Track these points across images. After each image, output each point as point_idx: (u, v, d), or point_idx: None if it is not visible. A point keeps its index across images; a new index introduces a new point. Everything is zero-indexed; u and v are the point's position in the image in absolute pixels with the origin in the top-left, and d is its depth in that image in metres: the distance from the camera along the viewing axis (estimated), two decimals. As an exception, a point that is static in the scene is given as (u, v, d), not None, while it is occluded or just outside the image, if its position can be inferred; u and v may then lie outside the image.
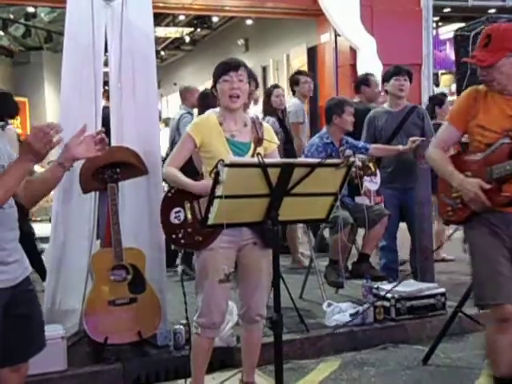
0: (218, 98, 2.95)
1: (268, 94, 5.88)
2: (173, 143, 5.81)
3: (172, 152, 3.06)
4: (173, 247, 3.19)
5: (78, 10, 3.57)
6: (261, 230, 2.81)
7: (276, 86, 6.05)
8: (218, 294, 2.85)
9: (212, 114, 3.05)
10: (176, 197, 2.92)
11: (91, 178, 3.45)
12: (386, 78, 4.73)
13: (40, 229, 5.89)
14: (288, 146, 5.58)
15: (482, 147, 2.66)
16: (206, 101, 4.93)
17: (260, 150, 2.93)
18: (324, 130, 4.57)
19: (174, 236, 2.90)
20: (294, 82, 6.05)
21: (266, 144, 2.96)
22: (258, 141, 2.94)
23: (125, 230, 3.46)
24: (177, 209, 2.90)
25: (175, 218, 2.90)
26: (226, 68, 2.89)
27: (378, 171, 4.46)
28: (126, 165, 3.47)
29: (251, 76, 3.94)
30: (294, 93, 6.09)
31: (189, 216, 2.88)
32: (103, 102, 3.90)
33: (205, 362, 2.98)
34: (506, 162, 2.55)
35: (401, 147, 4.48)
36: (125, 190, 3.64)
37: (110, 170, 3.43)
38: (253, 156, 2.88)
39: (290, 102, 6.03)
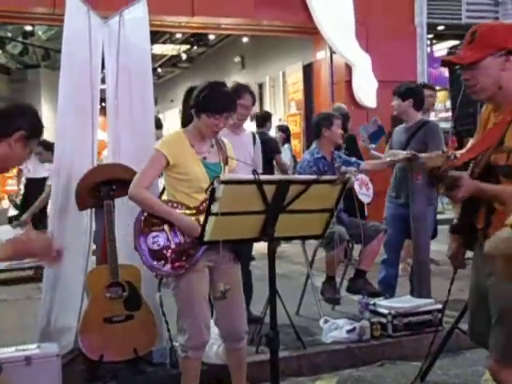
0: (192, 119, 2.88)
1: None
2: None
3: (141, 171, 2.89)
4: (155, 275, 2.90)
5: (75, 28, 3.61)
6: (233, 246, 2.81)
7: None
8: (206, 313, 2.86)
9: (181, 133, 2.92)
10: (151, 220, 2.76)
11: (87, 194, 3.46)
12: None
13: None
14: None
15: None
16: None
17: (227, 168, 2.92)
18: (314, 145, 4.61)
19: (155, 263, 2.75)
20: None
21: (229, 161, 2.95)
22: (226, 160, 2.92)
23: (121, 247, 3.45)
24: (154, 234, 2.75)
25: (153, 243, 2.73)
26: (222, 109, 2.78)
27: (370, 184, 4.49)
28: (123, 181, 3.46)
29: (250, 93, 3.98)
30: None
31: (172, 240, 2.75)
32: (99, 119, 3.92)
33: (197, 381, 2.96)
34: None
35: (388, 159, 4.53)
36: (120, 207, 3.64)
37: (106, 186, 3.43)
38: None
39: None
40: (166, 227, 2.76)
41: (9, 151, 2.10)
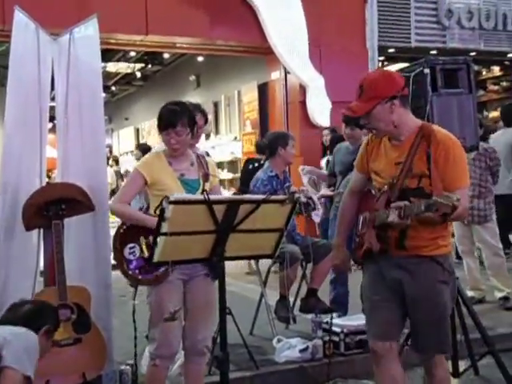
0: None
1: None
2: None
3: (121, 188, 3.14)
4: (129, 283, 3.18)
5: (23, 45, 3.54)
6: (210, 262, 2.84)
7: None
8: (176, 325, 2.90)
9: (161, 152, 3.09)
10: (129, 233, 2.92)
11: (35, 214, 3.37)
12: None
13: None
14: None
15: (377, 192, 2.70)
16: None
17: (207, 185, 3.02)
18: (267, 163, 4.61)
19: (130, 272, 2.90)
20: None
21: (211, 178, 3.06)
22: (205, 176, 3.03)
23: (70, 268, 3.37)
24: (131, 244, 2.90)
25: (130, 253, 2.89)
26: (164, 126, 2.95)
27: (319, 205, 4.55)
28: (72, 201, 3.40)
29: (202, 112, 3.97)
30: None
31: (145, 252, 2.88)
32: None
33: None
34: (381, 210, 2.57)
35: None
36: (70, 227, 3.56)
37: (54, 206, 3.35)
38: (203, 192, 2.92)
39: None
40: (141, 239, 2.90)
41: None
